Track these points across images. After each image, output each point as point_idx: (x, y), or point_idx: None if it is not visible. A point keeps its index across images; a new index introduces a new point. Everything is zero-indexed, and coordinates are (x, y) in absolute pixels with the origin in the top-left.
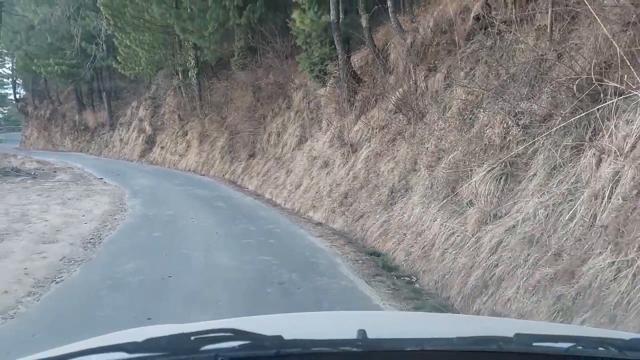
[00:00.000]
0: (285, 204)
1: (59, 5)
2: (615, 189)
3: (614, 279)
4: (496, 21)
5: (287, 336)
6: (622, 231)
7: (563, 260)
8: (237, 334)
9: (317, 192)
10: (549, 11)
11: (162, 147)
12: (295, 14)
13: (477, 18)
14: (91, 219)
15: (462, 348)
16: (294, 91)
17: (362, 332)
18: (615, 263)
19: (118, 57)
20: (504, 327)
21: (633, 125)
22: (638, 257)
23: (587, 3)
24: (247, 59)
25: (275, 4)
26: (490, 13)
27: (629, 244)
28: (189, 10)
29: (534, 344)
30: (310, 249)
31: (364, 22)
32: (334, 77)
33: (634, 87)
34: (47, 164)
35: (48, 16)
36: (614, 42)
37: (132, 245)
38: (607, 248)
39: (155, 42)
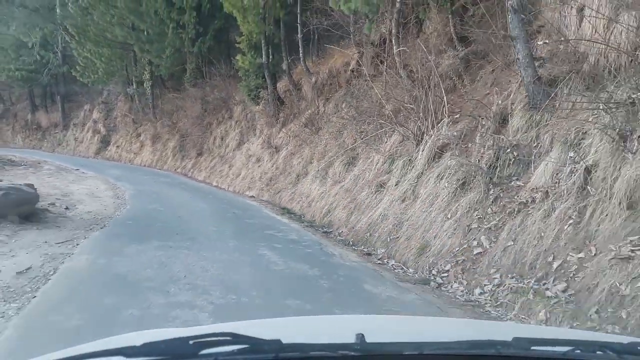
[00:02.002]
0: (228, 188)
1: (20, 19)
2: (376, 167)
3: (366, 197)
4: (360, 75)
5: (285, 340)
6: (374, 181)
7: (354, 195)
8: (235, 338)
9: (251, 179)
10: (384, 74)
11: (117, 146)
12: (238, 56)
13: (352, 70)
14: (105, 190)
15: (460, 352)
16: (234, 106)
17: (360, 336)
18: (369, 193)
19: (77, 66)
20: (503, 331)
21: (389, 140)
22: (377, 189)
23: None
24: (197, 79)
25: (221, 38)
26: (360, 68)
27: (373, 185)
28: (145, 33)
29: (532, 347)
30: (247, 205)
31: (284, 66)
32: (264, 99)
33: (390, 125)
34: (22, 158)
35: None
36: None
37: (146, 200)
38: (367, 189)
39: (113, 55)
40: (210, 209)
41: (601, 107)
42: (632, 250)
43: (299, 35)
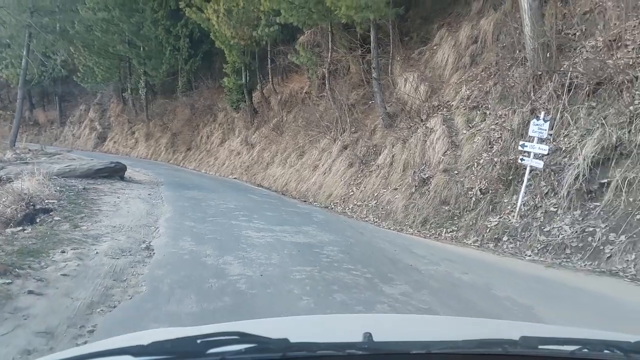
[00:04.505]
0: (215, 173)
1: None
2: (314, 157)
3: (307, 174)
4: (310, 97)
5: (293, 339)
6: (312, 164)
7: (300, 173)
8: (243, 337)
9: (233, 167)
10: (327, 95)
11: (114, 142)
12: (225, 79)
13: (305, 93)
14: (133, 172)
15: (467, 351)
16: (218, 112)
17: (367, 335)
18: (309, 172)
19: (78, 73)
20: (510, 330)
21: (322, 141)
22: (313, 169)
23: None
24: (187, 90)
25: (208, 58)
26: (310, 90)
27: (311, 167)
28: (142, 50)
29: (540, 346)
30: (233, 181)
31: (258, 86)
32: (243, 109)
33: (323, 132)
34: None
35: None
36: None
37: (167, 176)
38: (308, 169)
39: (111, 65)
40: (211, 182)
41: (397, 131)
42: (399, 186)
43: (269, 65)
